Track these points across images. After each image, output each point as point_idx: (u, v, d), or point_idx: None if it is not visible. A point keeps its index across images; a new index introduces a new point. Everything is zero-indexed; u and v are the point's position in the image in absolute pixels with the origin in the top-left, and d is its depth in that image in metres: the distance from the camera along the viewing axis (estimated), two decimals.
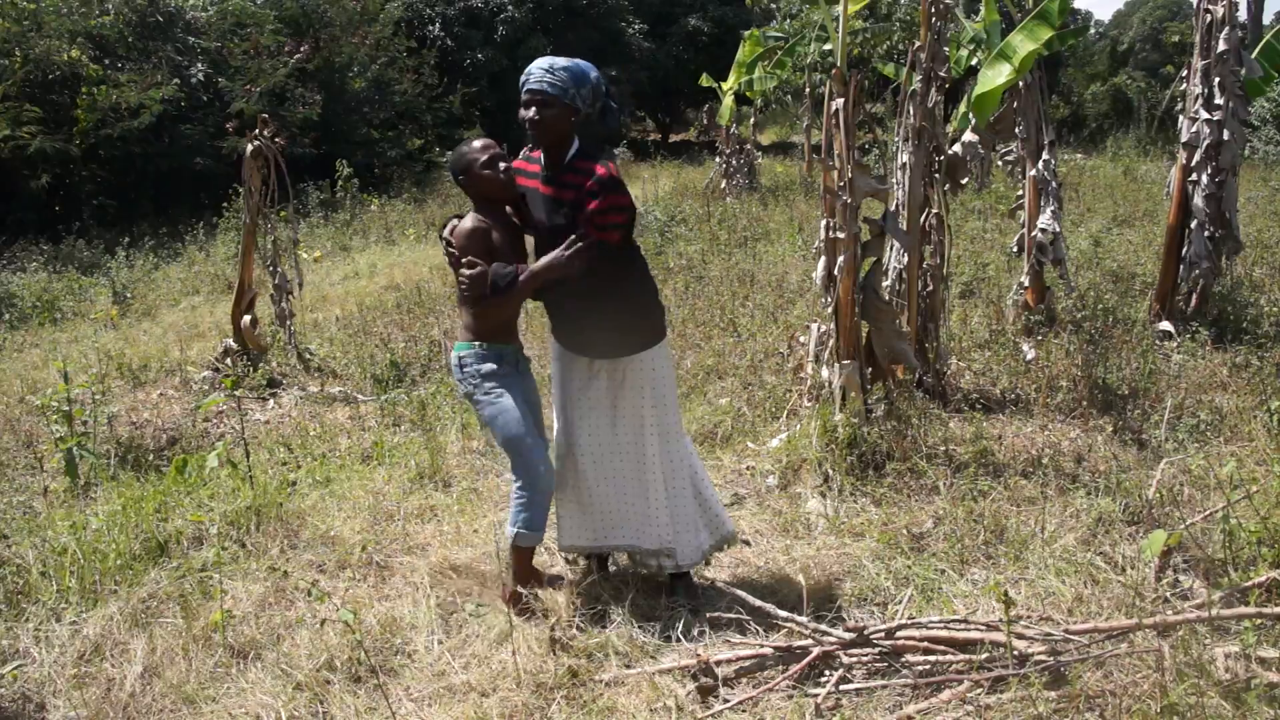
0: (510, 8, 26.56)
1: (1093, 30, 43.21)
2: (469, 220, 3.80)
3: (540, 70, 3.70)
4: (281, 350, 8.12)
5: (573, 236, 3.68)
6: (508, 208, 3.94)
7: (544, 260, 3.72)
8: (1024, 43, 5.68)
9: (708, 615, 3.82)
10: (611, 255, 3.78)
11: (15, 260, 13.14)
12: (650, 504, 3.97)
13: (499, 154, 3.82)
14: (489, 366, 3.84)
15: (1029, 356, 6.44)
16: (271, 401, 7.22)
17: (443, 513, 5.00)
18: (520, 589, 3.93)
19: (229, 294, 9.45)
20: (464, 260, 3.71)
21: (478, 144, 3.86)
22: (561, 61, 3.72)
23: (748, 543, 4.54)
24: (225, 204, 13.80)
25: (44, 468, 5.85)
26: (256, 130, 7.54)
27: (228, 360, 7.71)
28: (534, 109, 3.69)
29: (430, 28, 26.08)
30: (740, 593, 3.88)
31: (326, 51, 19.46)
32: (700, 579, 4.18)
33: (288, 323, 8.06)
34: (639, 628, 3.81)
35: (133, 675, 3.65)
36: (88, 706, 3.49)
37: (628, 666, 3.58)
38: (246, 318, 7.65)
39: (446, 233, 3.90)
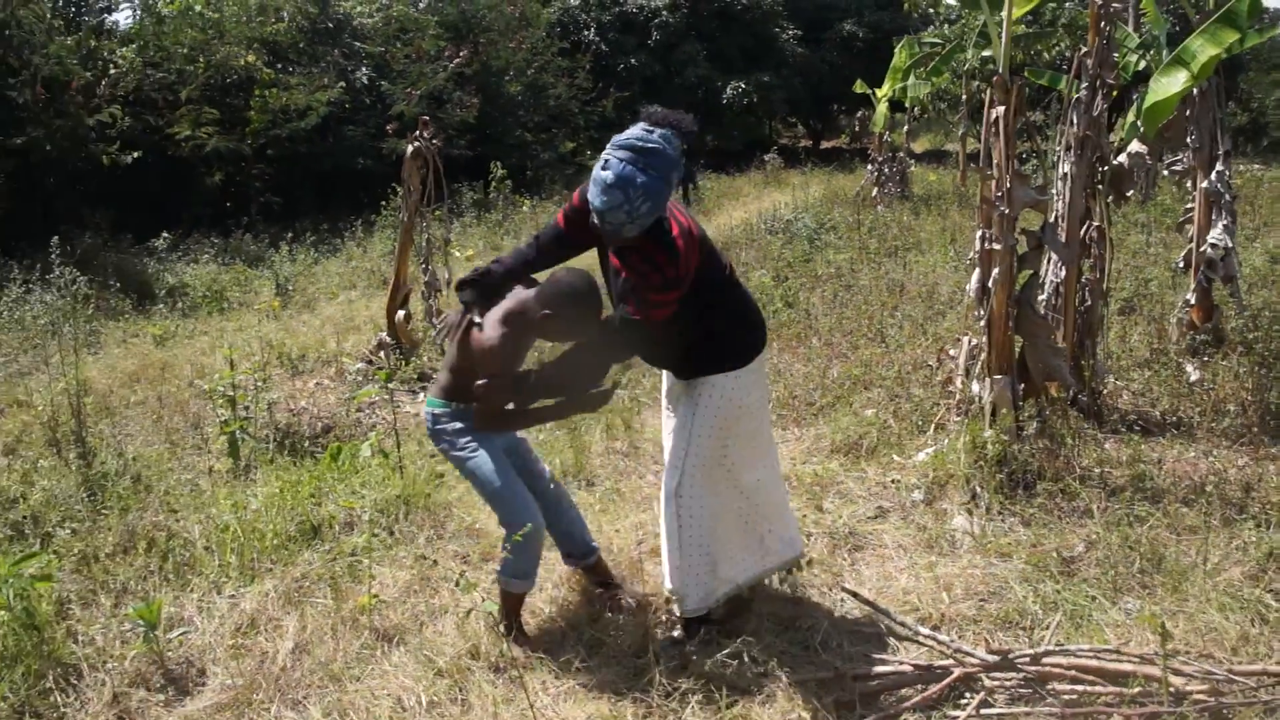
0: (665, 13, 26.78)
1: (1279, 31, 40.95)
2: (497, 335, 3.53)
3: (618, 217, 3.21)
4: (433, 345, 8.34)
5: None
6: None
7: (552, 375, 3.57)
8: (1204, 47, 5.40)
9: (848, 629, 3.76)
10: (690, 300, 3.46)
11: (189, 252, 13.84)
12: (666, 539, 3.74)
13: (596, 300, 3.51)
14: (462, 423, 3.73)
15: (1193, 378, 6.15)
16: (422, 395, 7.42)
17: (585, 511, 5.02)
18: (510, 630, 3.81)
19: (384, 289, 9.74)
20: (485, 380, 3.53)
21: (560, 290, 3.46)
22: (642, 205, 3.20)
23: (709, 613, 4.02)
24: (383, 203, 14.26)
25: (210, 449, 6.15)
26: (416, 132, 7.76)
27: (381, 353, 7.95)
28: (610, 239, 3.38)
29: (585, 33, 26.50)
30: (882, 607, 3.81)
31: (484, 56, 19.95)
32: (842, 591, 4.11)
33: (437, 319, 8.27)
34: (776, 636, 3.79)
35: (284, 650, 3.80)
36: (243, 676, 3.66)
37: (763, 676, 3.55)
38: (400, 313, 7.88)
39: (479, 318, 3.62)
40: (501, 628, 3.75)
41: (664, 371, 3.92)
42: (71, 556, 4.51)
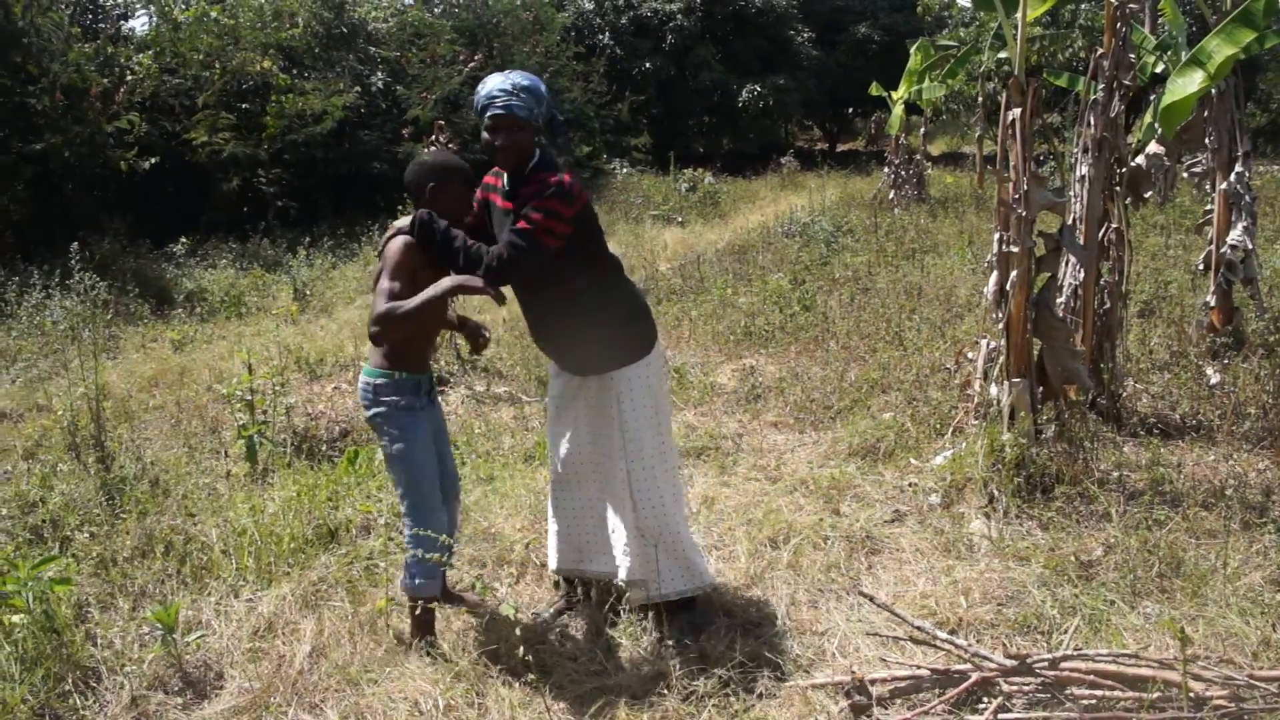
0: (679, 17, 26.74)
1: None
2: (401, 238, 3.59)
3: (503, 92, 3.54)
4: (449, 350, 8.35)
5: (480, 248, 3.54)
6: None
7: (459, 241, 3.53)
8: (1221, 47, 5.36)
9: (865, 633, 3.75)
10: (581, 269, 3.68)
11: (207, 257, 13.89)
12: (624, 531, 3.79)
13: (470, 176, 3.70)
14: (403, 400, 3.65)
15: (1213, 381, 6.10)
16: (439, 399, 7.42)
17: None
18: (422, 640, 3.80)
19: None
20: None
21: (446, 160, 3.68)
22: (521, 80, 3.59)
23: (715, 588, 4.14)
24: (399, 207, 14.25)
25: (227, 453, 6.17)
26: (432, 136, 7.78)
27: None
28: (503, 134, 3.56)
29: (600, 36, 26.49)
30: (899, 611, 3.79)
31: (499, 60, 19.97)
32: (859, 594, 4.09)
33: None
34: (793, 640, 3.78)
35: (301, 654, 3.81)
36: (260, 679, 3.68)
37: (780, 679, 3.54)
38: None
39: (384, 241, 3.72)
40: (413, 637, 3.79)
41: (556, 375, 3.98)
42: (90, 560, 4.54)
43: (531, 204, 3.51)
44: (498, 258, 3.49)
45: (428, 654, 3.73)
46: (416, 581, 3.69)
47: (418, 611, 3.74)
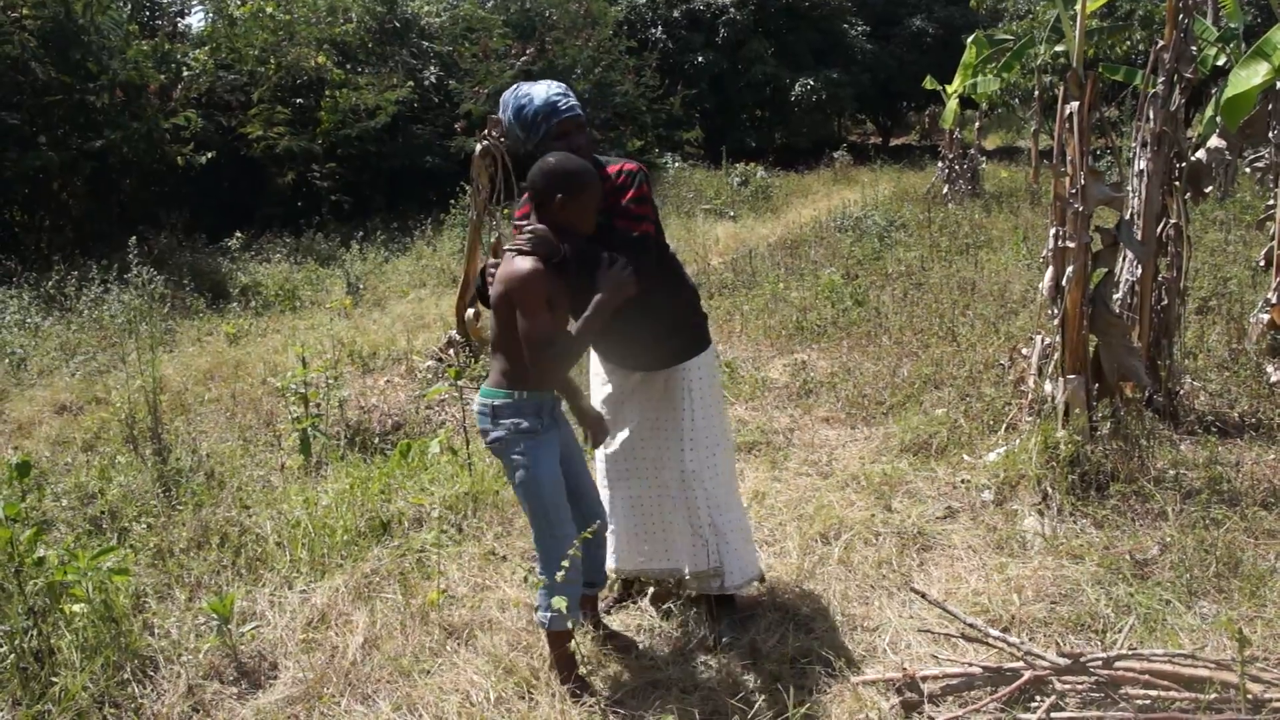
0: (732, 10, 26.63)
1: None
2: (528, 263, 3.24)
3: (562, 95, 3.49)
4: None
5: (605, 256, 3.34)
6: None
7: (600, 292, 3.29)
8: None
9: (917, 630, 3.72)
10: (659, 264, 3.63)
11: (262, 251, 14.06)
12: (696, 522, 3.78)
13: (599, 184, 3.39)
14: (526, 422, 3.35)
15: (1274, 378, 5.98)
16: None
17: None
18: (567, 682, 3.49)
19: (454, 288, 9.84)
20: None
21: (577, 166, 3.32)
22: (557, 83, 3.57)
23: (763, 579, 4.13)
24: (452, 201, 14.37)
25: (281, 445, 6.26)
26: (485, 130, 7.81)
27: (451, 351, 8.02)
28: (577, 136, 3.49)
29: (652, 30, 26.45)
30: (951, 608, 3.77)
31: (551, 54, 20.01)
32: (911, 591, 4.06)
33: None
34: (845, 636, 3.76)
35: (354, 645, 3.85)
36: (313, 670, 3.72)
37: (831, 675, 3.53)
38: (470, 311, 7.94)
39: (493, 265, 3.46)
40: (557, 680, 3.50)
41: (608, 373, 3.93)
42: (147, 551, 4.62)
43: (631, 202, 3.51)
44: (632, 272, 3.36)
45: (575, 696, 3.43)
46: (549, 615, 3.40)
47: (556, 650, 3.50)
